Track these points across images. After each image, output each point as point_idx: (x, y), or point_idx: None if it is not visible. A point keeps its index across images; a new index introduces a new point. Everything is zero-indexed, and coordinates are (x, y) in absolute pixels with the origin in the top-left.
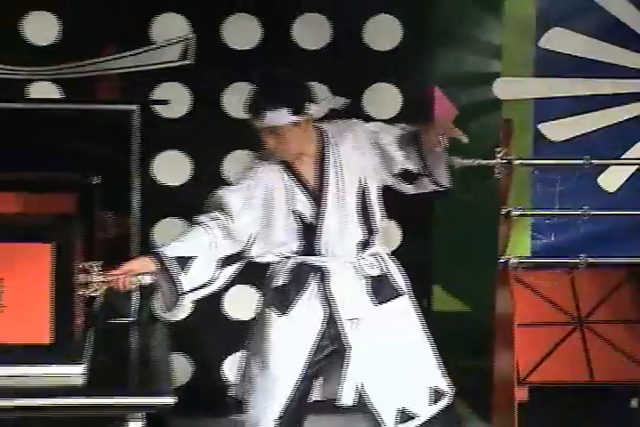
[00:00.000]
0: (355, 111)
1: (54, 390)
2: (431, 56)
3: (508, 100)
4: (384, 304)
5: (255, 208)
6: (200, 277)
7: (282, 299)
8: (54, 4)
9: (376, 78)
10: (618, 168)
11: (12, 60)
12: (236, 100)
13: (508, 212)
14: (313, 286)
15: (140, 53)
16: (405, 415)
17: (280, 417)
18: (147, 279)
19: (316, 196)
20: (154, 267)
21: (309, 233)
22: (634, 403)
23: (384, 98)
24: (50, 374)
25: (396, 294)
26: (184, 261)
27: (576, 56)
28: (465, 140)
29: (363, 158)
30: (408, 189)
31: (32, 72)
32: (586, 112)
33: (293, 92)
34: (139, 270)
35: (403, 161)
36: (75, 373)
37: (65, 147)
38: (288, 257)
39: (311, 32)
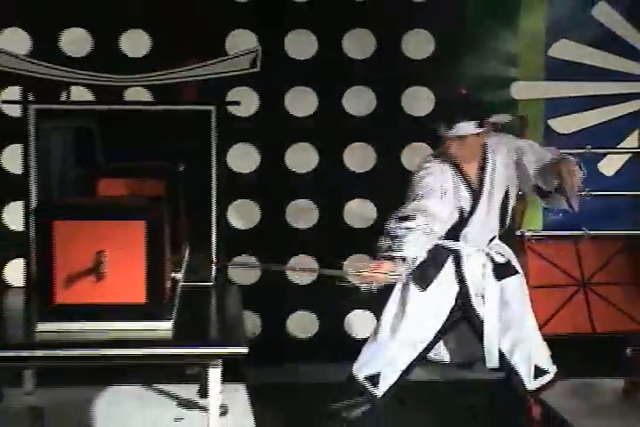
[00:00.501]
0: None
1: (148, 342)
2: (459, 64)
3: (522, 99)
4: (503, 280)
5: (446, 203)
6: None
7: (422, 275)
8: (146, 23)
9: (413, 83)
10: (615, 156)
11: (111, 70)
12: (295, 101)
13: (523, 193)
14: (449, 266)
15: (216, 63)
16: (539, 371)
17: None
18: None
19: (475, 195)
20: (401, 268)
21: (460, 224)
22: (628, 351)
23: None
24: (144, 328)
25: (514, 272)
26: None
27: (579, 63)
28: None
29: (507, 169)
30: (541, 201)
31: (128, 79)
32: (588, 109)
33: (479, 108)
34: (388, 270)
35: (536, 180)
36: (164, 328)
37: (156, 141)
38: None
39: (356, 45)
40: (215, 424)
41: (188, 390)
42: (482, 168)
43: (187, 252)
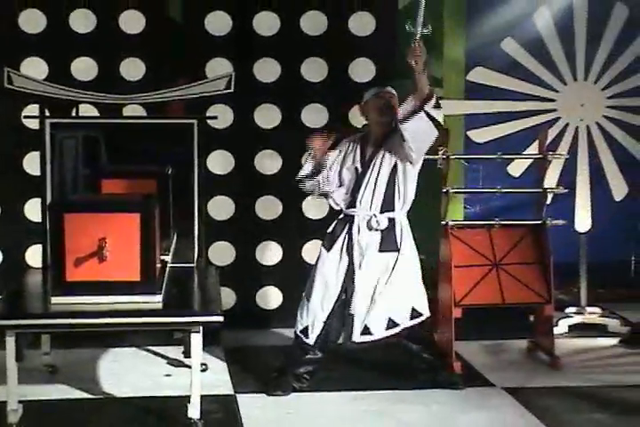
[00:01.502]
0: None
1: (142, 312)
2: (396, 86)
3: (446, 115)
4: (382, 253)
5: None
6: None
7: (329, 239)
8: (142, 52)
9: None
10: (521, 161)
11: (113, 90)
12: (263, 116)
13: (447, 190)
14: (345, 233)
15: (198, 85)
16: (391, 323)
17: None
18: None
19: (367, 161)
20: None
21: (355, 187)
22: (531, 318)
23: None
24: (139, 301)
25: (395, 248)
26: None
27: (491, 86)
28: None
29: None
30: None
31: (126, 98)
32: (499, 123)
33: None
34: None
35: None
36: (155, 300)
37: (149, 148)
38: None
39: (310, 71)
40: (197, 379)
41: (176, 352)
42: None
43: (174, 238)
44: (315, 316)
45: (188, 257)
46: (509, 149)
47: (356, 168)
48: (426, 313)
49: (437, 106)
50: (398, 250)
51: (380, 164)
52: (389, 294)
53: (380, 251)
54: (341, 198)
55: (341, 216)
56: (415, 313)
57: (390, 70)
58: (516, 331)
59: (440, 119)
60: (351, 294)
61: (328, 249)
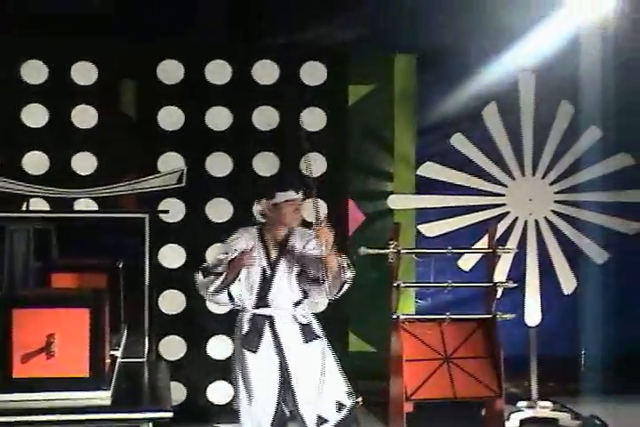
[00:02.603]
0: None
1: (90, 408)
2: (345, 180)
3: (397, 209)
4: (309, 343)
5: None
6: None
7: (249, 341)
8: (93, 146)
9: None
10: (471, 255)
11: (64, 185)
12: (215, 209)
13: (398, 284)
14: (268, 332)
15: (149, 180)
16: (321, 420)
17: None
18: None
19: (275, 259)
20: None
21: (263, 287)
22: (483, 412)
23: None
24: (87, 397)
25: (316, 336)
26: None
27: (441, 180)
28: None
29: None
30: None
31: (77, 192)
32: (449, 217)
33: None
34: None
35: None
36: (104, 396)
37: (99, 241)
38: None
39: (264, 164)
40: None
41: None
42: (287, 237)
43: (125, 332)
44: (259, 423)
45: (139, 351)
46: (460, 243)
47: (264, 269)
48: (348, 404)
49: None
50: (321, 337)
51: (288, 266)
52: (331, 380)
53: (306, 342)
54: (246, 297)
55: (250, 316)
56: (340, 405)
57: (340, 164)
58: (469, 425)
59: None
60: (292, 392)
61: (254, 351)
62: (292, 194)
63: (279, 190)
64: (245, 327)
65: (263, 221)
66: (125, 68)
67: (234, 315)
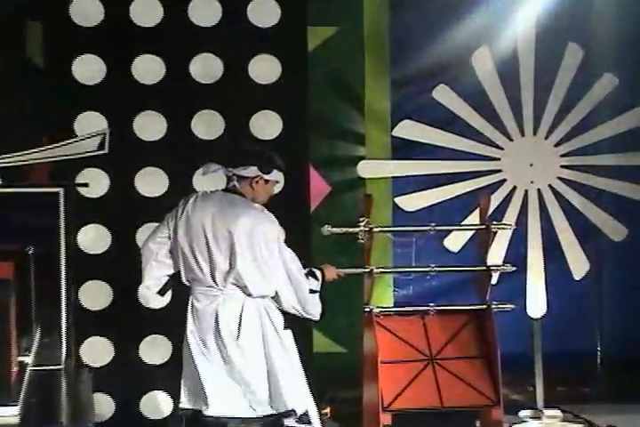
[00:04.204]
0: None
1: None
2: (307, 147)
3: (370, 178)
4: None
5: None
6: None
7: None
8: None
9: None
10: (460, 233)
11: None
12: (146, 182)
13: (371, 270)
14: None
15: (65, 145)
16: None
17: None
18: None
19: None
20: None
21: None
22: (477, 424)
23: None
24: None
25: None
26: None
27: (422, 142)
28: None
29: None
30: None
31: None
32: (433, 187)
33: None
34: None
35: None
36: (10, 413)
37: (4, 223)
38: None
39: (206, 128)
40: None
41: None
42: None
43: (37, 334)
44: None
45: (55, 357)
46: (446, 219)
47: None
48: (313, 415)
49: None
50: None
51: None
52: (289, 383)
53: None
54: None
55: None
56: (302, 417)
57: (300, 124)
58: None
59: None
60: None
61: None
62: (281, 176)
63: (277, 168)
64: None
65: (236, 189)
66: (31, 6)
67: (172, 309)
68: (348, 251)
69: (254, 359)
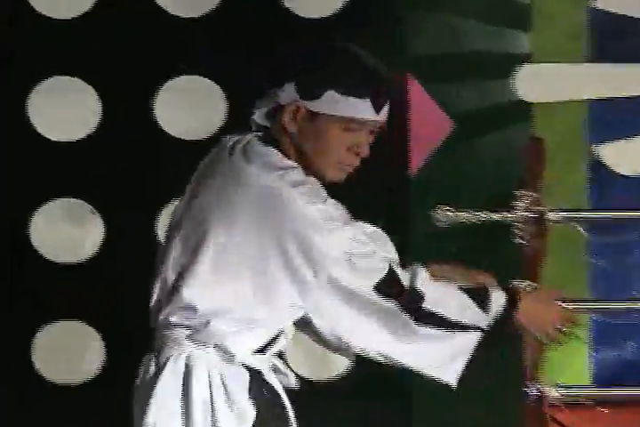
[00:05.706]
0: None
1: None
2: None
3: (540, 103)
4: None
5: None
6: None
7: None
8: None
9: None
10: None
11: None
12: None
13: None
14: None
15: None
16: None
17: None
18: None
19: None
20: None
21: None
22: None
23: None
24: None
25: None
26: None
27: None
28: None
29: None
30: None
31: None
32: None
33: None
34: None
35: None
36: None
37: None
38: None
39: None
40: None
41: None
42: None
43: None
44: None
45: None
46: None
47: None
48: None
49: None
50: None
51: None
52: None
53: None
54: None
55: None
56: None
57: None
58: None
59: None
60: None
61: None
62: (371, 110)
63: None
64: None
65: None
66: None
67: None
68: (491, 258)
69: None
